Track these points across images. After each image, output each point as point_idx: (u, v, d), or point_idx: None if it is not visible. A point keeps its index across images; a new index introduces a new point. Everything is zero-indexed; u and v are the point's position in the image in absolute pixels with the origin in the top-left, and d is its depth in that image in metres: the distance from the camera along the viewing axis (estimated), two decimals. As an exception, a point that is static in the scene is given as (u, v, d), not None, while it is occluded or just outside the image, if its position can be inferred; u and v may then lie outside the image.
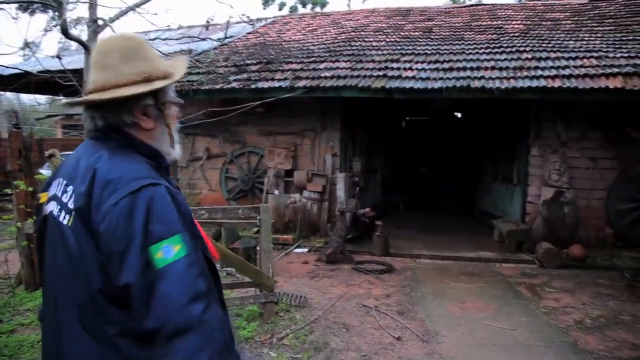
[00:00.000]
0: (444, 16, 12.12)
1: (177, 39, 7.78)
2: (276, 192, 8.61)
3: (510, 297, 5.40)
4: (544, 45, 8.50)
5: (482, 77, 7.22)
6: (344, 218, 7.20)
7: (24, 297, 4.85)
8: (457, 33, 10.23)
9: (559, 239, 7.10)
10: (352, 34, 10.95)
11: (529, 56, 7.91)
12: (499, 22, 10.88)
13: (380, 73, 7.78)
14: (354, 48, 9.44)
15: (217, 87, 8.06)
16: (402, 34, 10.61)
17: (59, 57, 6.30)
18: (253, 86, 7.92)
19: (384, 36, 10.47)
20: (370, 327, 4.49)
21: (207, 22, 7.80)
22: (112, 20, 6.23)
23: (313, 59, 8.85)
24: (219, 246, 4.27)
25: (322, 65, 8.42)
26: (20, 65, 8.66)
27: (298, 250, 7.58)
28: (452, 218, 10.76)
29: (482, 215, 10.25)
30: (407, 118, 14.77)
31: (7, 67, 7.57)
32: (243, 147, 9.13)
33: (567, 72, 7.07)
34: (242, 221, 4.96)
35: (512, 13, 11.60)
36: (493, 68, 7.56)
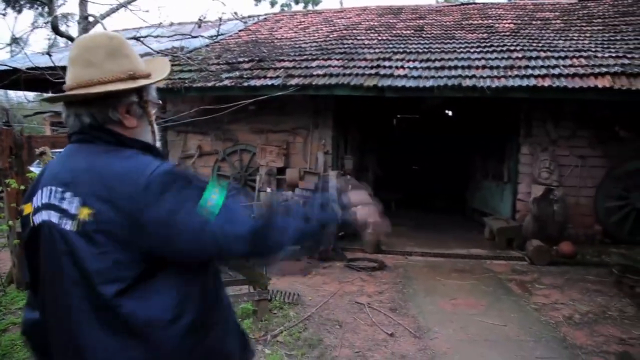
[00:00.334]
0: (435, 15, 12.17)
1: (168, 36, 7.72)
2: (268, 189, 8.60)
3: (501, 294, 5.47)
4: (534, 44, 8.58)
5: (474, 76, 7.27)
6: (336, 216, 7.21)
7: (15, 295, 4.82)
8: (449, 32, 10.29)
9: (549, 236, 7.19)
10: (344, 32, 10.97)
11: (520, 55, 7.98)
12: (490, 21, 10.96)
13: (373, 71, 7.80)
14: (345, 46, 9.46)
15: (209, 84, 8.04)
16: (394, 32, 10.65)
17: (49, 53, 6.25)
18: (245, 84, 7.90)
19: (376, 34, 10.50)
20: (364, 323, 4.53)
21: (199, 19, 7.76)
22: (103, 16, 6.22)
23: (305, 57, 8.86)
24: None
25: (314, 64, 8.42)
26: (8, 62, 8.56)
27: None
28: (443, 215, 10.83)
29: (473, 212, 10.34)
30: (399, 116, 14.82)
31: (-5, 63, 7.48)
32: (235, 145, 9.11)
33: (556, 71, 7.15)
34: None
35: (503, 12, 11.68)
36: (484, 67, 7.62)
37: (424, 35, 10.09)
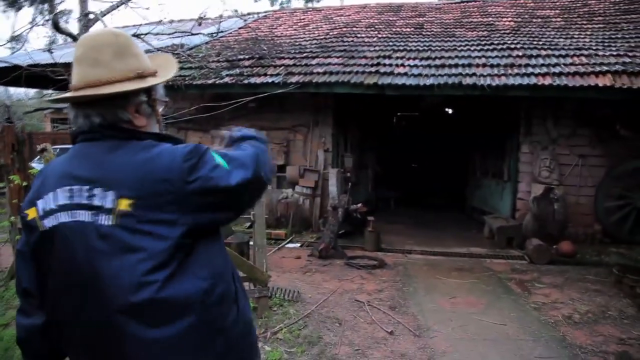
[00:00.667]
0: (435, 12, 12.17)
1: (169, 34, 7.72)
2: (268, 187, 8.60)
3: (500, 293, 5.47)
4: (535, 42, 8.58)
5: (474, 74, 7.27)
6: (336, 213, 7.23)
7: (16, 291, 4.82)
8: (449, 29, 10.29)
9: (549, 235, 7.19)
10: (344, 29, 10.96)
11: (520, 53, 7.98)
12: (490, 19, 10.95)
13: (373, 69, 7.80)
14: (346, 44, 9.45)
15: (209, 82, 8.04)
16: (394, 30, 10.64)
17: (50, 50, 6.25)
18: (245, 81, 7.91)
19: (376, 32, 10.50)
20: (363, 321, 4.54)
21: (200, 17, 7.76)
22: (104, 14, 6.21)
23: (305, 54, 8.86)
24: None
25: (314, 61, 8.42)
26: (9, 59, 8.55)
27: (290, 245, 7.61)
28: (443, 214, 10.85)
29: (473, 211, 10.35)
30: (399, 114, 14.82)
31: (-4, 60, 7.46)
32: (235, 143, 9.10)
33: (557, 69, 7.15)
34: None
35: (503, 10, 11.67)
36: (484, 65, 7.62)
37: (424, 33, 10.09)
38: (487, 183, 9.71)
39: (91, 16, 5.76)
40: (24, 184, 4.66)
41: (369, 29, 10.83)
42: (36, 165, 7.55)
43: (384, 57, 8.34)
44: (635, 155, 7.53)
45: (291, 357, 3.77)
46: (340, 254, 6.91)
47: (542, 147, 7.84)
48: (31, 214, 1.24)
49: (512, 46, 8.41)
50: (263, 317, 4.45)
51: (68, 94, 1.27)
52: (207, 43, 9.87)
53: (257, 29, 11.78)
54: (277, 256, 6.88)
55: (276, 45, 9.70)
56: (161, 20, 7.84)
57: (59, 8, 6.08)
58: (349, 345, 4.03)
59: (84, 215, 1.16)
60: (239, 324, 1.31)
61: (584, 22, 9.84)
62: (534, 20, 10.44)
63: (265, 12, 14.47)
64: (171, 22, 10.40)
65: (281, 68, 8.25)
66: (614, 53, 7.57)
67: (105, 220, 1.14)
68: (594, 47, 7.97)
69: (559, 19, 10.29)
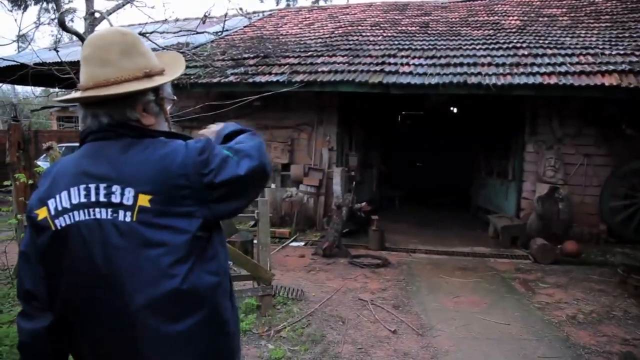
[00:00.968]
0: (440, 11, 12.14)
1: (174, 33, 7.74)
2: (273, 185, 8.63)
3: (504, 292, 5.47)
4: (541, 41, 8.54)
5: (479, 73, 7.25)
6: (340, 212, 7.24)
7: (22, 289, 4.86)
8: (454, 28, 10.26)
9: (553, 235, 7.17)
10: (349, 28, 10.95)
11: (526, 52, 7.95)
12: (496, 17, 10.91)
13: (378, 68, 7.79)
14: (351, 43, 9.45)
15: (215, 80, 8.07)
16: (399, 28, 10.62)
17: (56, 49, 6.28)
18: (250, 80, 7.92)
19: (381, 31, 10.48)
20: (366, 320, 4.55)
21: (205, 15, 7.77)
22: (110, 12, 6.23)
23: (310, 53, 8.86)
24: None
25: (319, 60, 8.43)
26: (16, 57, 8.60)
27: (294, 244, 7.63)
28: (447, 213, 10.83)
29: (477, 210, 10.33)
30: (404, 113, 14.80)
31: (3, 59, 7.52)
32: (240, 141, 9.12)
33: (563, 68, 7.12)
34: (240, 214, 4.98)
35: (509, 8, 11.62)
36: (490, 64, 7.60)
37: (429, 32, 10.06)
38: (492, 182, 9.68)
39: (97, 15, 5.78)
40: (30, 182, 4.70)
41: (374, 28, 10.82)
42: (42, 163, 7.60)
43: (389, 55, 8.33)
44: (641, 154, 7.50)
45: (294, 356, 3.79)
46: (344, 252, 6.92)
47: (547, 146, 7.81)
48: (42, 213, 1.23)
49: (518, 45, 8.37)
50: (267, 316, 4.47)
51: (76, 94, 1.28)
52: (212, 42, 9.88)
53: (262, 28, 11.80)
54: (281, 255, 6.90)
55: (281, 44, 9.71)
56: (166, 19, 7.85)
57: (65, 7, 6.10)
58: (352, 343, 4.04)
59: (102, 213, 1.17)
60: (234, 318, 1.36)
61: (591, 21, 9.79)
62: (540, 19, 10.40)
63: (271, 10, 14.49)
64: (176, 20, 10.42)
65: (286, 67, 8.26)
66: (621, 52, 7.53)
67: (125, 216, 1.16)
68: (601, 46, 7.93)
69: (565, 18, 10.24)
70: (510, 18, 10.70)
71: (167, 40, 8.48)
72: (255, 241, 4.97)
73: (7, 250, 5.23)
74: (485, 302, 5.12)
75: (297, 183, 8.60)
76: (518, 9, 11.52)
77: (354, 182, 8.27)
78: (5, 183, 5.01)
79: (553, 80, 6.85)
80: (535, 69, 7.23)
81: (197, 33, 8.06)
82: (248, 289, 4.61)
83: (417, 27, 10.60)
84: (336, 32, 10.65)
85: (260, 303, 4.57)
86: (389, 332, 4.26)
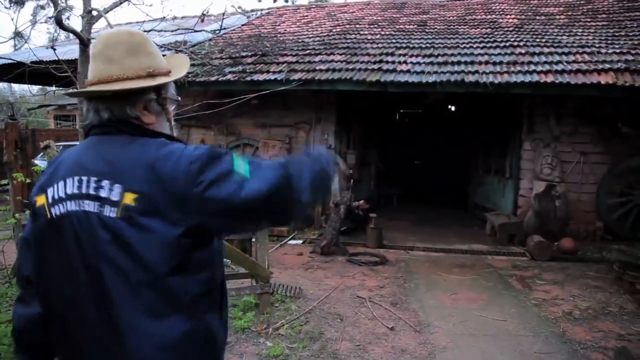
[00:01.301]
0: (438, 9, 12.14)
1: (172, 31, 7.74)
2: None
3: (501, 289, 5.50)
4: (538, 40, 8.57)
5: (476, 72, 7.28)
6: (338, 210, 7.26)
7: (20, 287, 4.86)
8: (452, 27, 10.27)
9: (550, 232, 7.21)
10: (347, 26, 10.96)
11: (523, 51, 7.98)
12: (494, 16, 10.93)
13: (375, 66, 7.80)
14: (349, 41, 9.46)
15: (212, 79, 8.07)
16: (397, 27, 10.63)
17: (53, 47, 6.28)
18: (248, 78, 7.93)
19: (379, 29, 10.50)
20: (364, 317, 4.57)
21: (203, 13, 7.77)
22: (107, 11, 6.21)
23: (308, 51, 8.86)
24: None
25: (317, 58, 8.43)
26: (13, 55, 8.59)
27: (293, 242, 7.65)
28: (445, 211, 10.86)
29: (475, 208, 10.36)
30: (402, 111, 14.82)
31: (0, 57, 7.51)
32: (238, 139, 9.14)
33: (559, 67, 7.15)
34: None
35: (507, 7, 11.64)
36: (487, 62, 7.62)
37: (427, 30, 10.08)
38: (490, 180, 9.71)
39: (94, 13, 5.76)
40: (28, 181, 4.70)
41: (372, 26, 10.83)
42: (39, 162, 7.59)
43: (387, 54, 8.34)
44: (637, 152, 7.53)
45: (293, 353, 3.81)
46: (342, 250, 6.94)
47: (544, 144, 7.84)
48: (40, 200, 1.28)
49: (515, 44, 8.40)
50: (265, 313, 4.49)
51: (82, 89, 1.34)
52: (210, 40, 9.89)
53: (260, 26, 11.80)
54: (279, 253, 6.92)
55: (279, 42, 9.71)
56: (164, 17, 7.84)
57: (62, 5, 6.09)
58: (350, 340, 4.06)
59: (90, 206, 1.20)
60: (221, 335, 1.34)
61: (588, 20, 9.82)
62: (538, 17, 10.42)
63: (269, 8, 14.47)
64: (174, 18, 10.44)
65: (284, 65, 8.26)
66: (617, 51, 7.56)
67: (110, 212, 1.17)
68: (597, 45, 7.96)
69: (562, 17, 10.26)
70: (508, 16, 10.72)
71: (164, 39, 8.48)
72: (253, 239, 4.98)
73: (5, 250, 5.23)
74: (483, 299, 5.15)
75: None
76: (515, 7, 11.53)
77: (351, 180, 8.29)
78: (3, 182, 5.02)
79: (550, 78, 6.88)
80: (532, 67, 7.25)
81: (195, 31, 8.07)
82: (246, 287, 4.63)
83: (415, 26, 10.61)
84: (334, 30, 10.66)
85: (259, 301, 4.59)
86: (387, 329, 4.29)
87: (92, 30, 5.83)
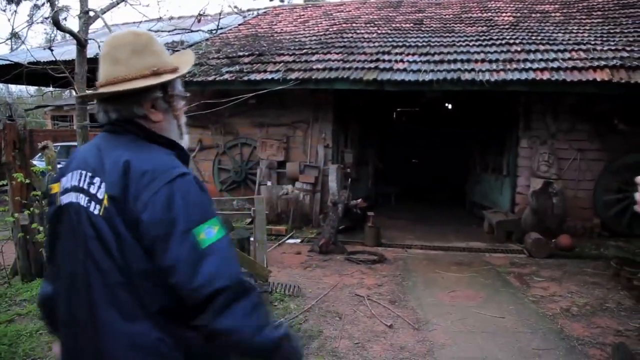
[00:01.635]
0: (434, 8, 12.18)
1: (168, 31, 7.74)
2: (268, 183, 8.66)
3: (499, 286, 5.52)
4: (533, 37, 8.60)
5: (473, 70, 7.30)
6: (336, 209, 7.27)
7: (20, 287, 4.88)
8: (448, 25, 10.30)
9: (548, 229, 7.23)
10: (344, 25, 10.97)
11: (519, 49, 8.00)
12: (489, 14, 10.96)
13: (372, 65, 7.82)
14: (345, 40, 9.47)
15: (210, 78, 8.07)
16: (393, 25, 10.65)
17: (50, 48, 6.28)
18: (245, 78, 7.94)
19: (375, 28, 10.51)
20: (363, 315, 4.59)
21: (199, 13, 7.78)
22: (104, 11, 6.20)
23: (305, 50, 8.88)
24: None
25: (314, 57, 8.44)
26: (10, 56, 8.58)
27: (291, 241, 7.66)
28: (443, 209, 10.88)
29: (473, 206, 10.39)
30: (399, 110, 14.85)
31: (-3, 58, 7.50)
32: (235, 139, 9.15)
33: (555, 64, 7.17)
34: (237, 212, 5.01)
35: (502, 5, 11.68)
36: (483, 60, 7.64)
37: (423, 29, 10.10)
38: (487, 178, 9.74)
39: (91, 13, 5.76)
40: (26, 181, 4.71)
41: (368, 25, 10.84)
42: (37, 162, 7.58)
43: (384, 53, 8.36)
44: (633, 149, 7.57)
45: (292, 351, 3.81)
46: (341, 249, 6.95)
47: (541, 141, 7.87)
48: (55, 188, 1.37)
49: (511, 41, 8.43)
50: (264, 312, 4.49)
51: (90, 92, 1.39)
52: (206, 40, 9.90)
53: (256, 26, 11.80)
54: (277, 252, 6.93)
55: (276, 42, 9.72)
56: (161, 18, 7.85)
57: (59, 5, 6.09)
58: (348, 338, 4.07)
59: (82, 200, 1.25)
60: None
61: (583, 17, 9.85)
62: (533, 15, 10.46)
63: (265, 8, 14.47)
64: (171, 19, 10.43)
65: (281, 64, 8.27)
66: (612, 48, 7.59)
67: (95, 209, 1.22)
68: (593, 42, 7.99)
69: (558, 14, 10.30)
70: (504, 14, 10.75)
71: (161, 39, 8.46)
72: (251, 238, 4.99)
73: (3, 250, 5.23)
74: (481, 296, 5.17)
75: (293, 180, 8.63)
76: (511, 5, 11.57)
77: (349, 179, 8.31)
78: (1, 182, 5.02)
79: (546, 75, 6.91)
80: (528, 64, 7.28)
81: (192, 31, 8.07)
82: (245, 286, 4.63)
83: (411, 24, 10.63)
84: (331, 29, 10.67)
85: (258, 299, 4.59)
86: (386, 327, 4.30)
87: (89, 31, 5.83)
